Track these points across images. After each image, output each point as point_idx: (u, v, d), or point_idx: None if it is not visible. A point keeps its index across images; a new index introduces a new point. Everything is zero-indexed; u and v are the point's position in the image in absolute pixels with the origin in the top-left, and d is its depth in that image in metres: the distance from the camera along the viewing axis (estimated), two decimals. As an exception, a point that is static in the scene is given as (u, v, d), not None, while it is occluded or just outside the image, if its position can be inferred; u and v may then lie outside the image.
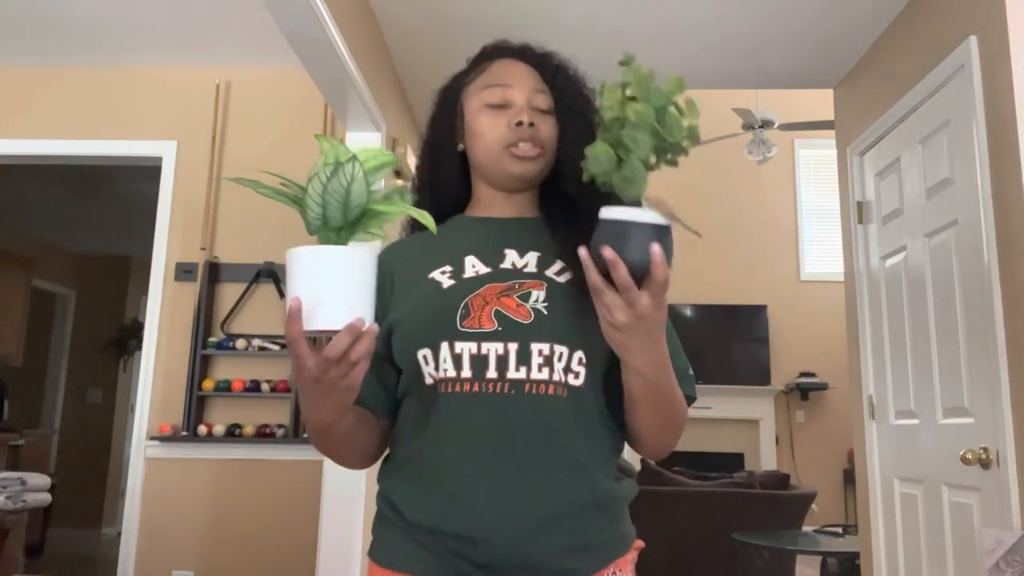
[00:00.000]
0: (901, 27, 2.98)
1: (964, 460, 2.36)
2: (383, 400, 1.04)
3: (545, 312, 0.98)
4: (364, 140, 3.19)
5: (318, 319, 0.79)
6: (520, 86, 1.08)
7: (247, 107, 3.90)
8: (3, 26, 3.56)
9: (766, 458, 7.45)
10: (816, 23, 3.12)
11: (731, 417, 7.53)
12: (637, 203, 0.84)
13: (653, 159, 0.84)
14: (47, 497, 4.31)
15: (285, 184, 0.84)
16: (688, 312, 7.73)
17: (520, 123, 1.04)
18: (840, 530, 4.68)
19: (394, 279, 1.06)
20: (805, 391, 7.50)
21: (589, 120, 1.00)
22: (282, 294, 3.70)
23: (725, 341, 7.68)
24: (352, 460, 1.05)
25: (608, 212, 0.84)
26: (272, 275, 3.71)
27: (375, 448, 1.06)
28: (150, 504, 3.54)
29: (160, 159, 3.84)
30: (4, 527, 3.82)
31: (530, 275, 1.02)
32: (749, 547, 4.00)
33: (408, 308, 1.02)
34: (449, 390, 0.97)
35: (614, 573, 0.98)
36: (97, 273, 7.33)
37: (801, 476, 7.34)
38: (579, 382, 0.97)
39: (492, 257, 1.04)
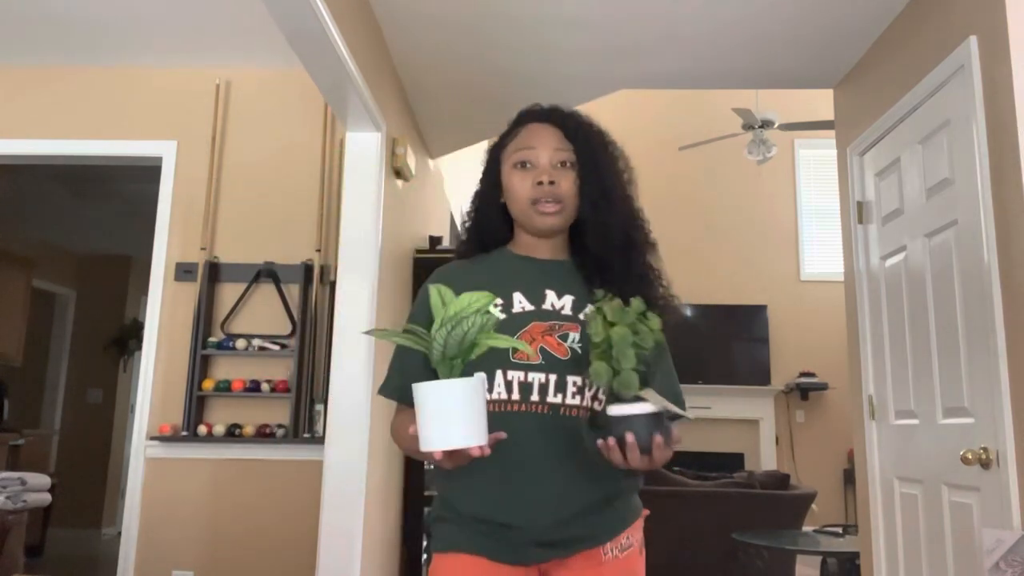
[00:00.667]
0: (901, 27, 2.98)
1: (964, 460, 2.36)
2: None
3: (579, 351, 1.24)
4: (364, 140, 3.19)
5: (446, 441, 1.02)
6: (544, 147, 1.32)
7: (247, 107, 3.91)
8: (3, 26, 3.56)
9: (766, 458, 7.45)
10: (816, 23, 3.12)
11: (731, 417, 7.54)
12: (634, 399, 1.10)
13: (638, 364, 1.11)
14: (47, 497, 4.31)
15: (412, 332, 1.08)
16: (688, 312, 7.72)
17: (541, 183, 1.29)
18: (840, 530, 4.67)
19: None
20: (805, 391, 7.50)
21: (610, 168, 1.33)
22: (282, 294, 3.70)
23: (725, 341, 7.68)
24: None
25: (615, 410, 1.10)
26: (272, 275, 3.71)
27: None
28: (150, 504, 3.54)
29: (160, 159, 3.84)
30: (4, 527, 3.82)
31: (567, 318, 1.28)
32: (749, 547, 4.00)
33: None
34: (499, 410, 1.22)
35: (627, 537, 1.27)
36: (97, 273, 7.33)
37: (801, 476, 7.34)
38: (600, 406, 1.22)
39: (535, 296, 1.30)
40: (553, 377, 1.23)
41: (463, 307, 1.04)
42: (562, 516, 1.21)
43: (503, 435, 1.10)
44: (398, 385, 1.30)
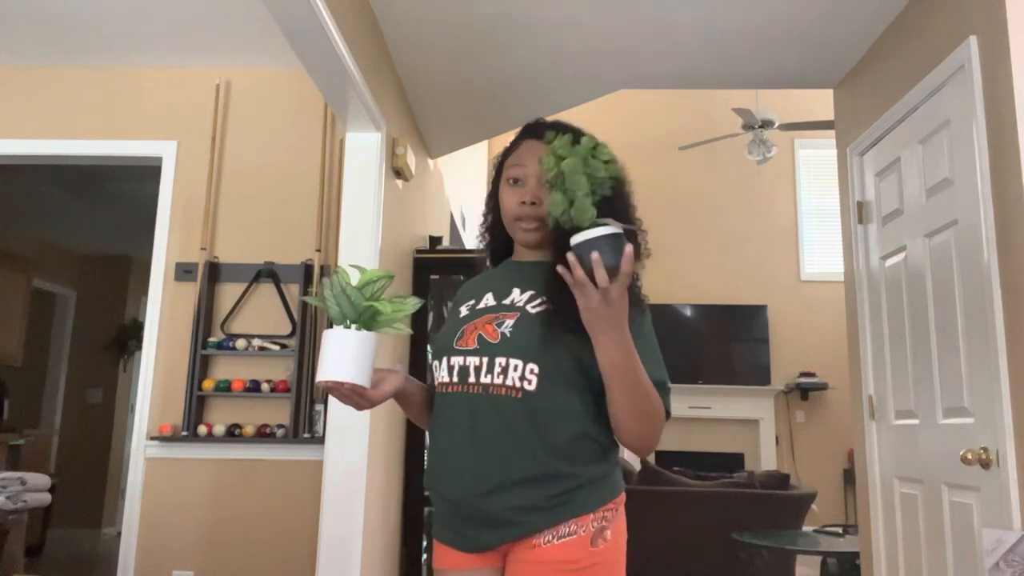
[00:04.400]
0: (901, 27, 2.98)
1: (964, 460, 2.36)
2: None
3: (508, 335, 1.33)
4: (364, 140, 3.19)
5: (322, 374, 1.23)
6: (532, 164, 1.39)
7: (247, 107, 3.91)
8: (3, 26, 3.56)
9: (766, 458, 7.45)
10: (816, 23, 3.12)
11: (731, 417, 7.53)
12: (592, 226, 1.14)
13: (591, 193, 1.16)
14: (47, 497, 4.31)
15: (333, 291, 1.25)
16: (688, 312, 7.73)
17: (524, 203, 1.38)
18: (840, 530, 4.67)
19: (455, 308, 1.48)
20: (805, 391, 7.49)
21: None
22: (282, 294, 3.70)
23: (725, 341, 7.68)
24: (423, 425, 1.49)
25: (576, 237, 1.15)
26: (272, 275, 3.71)
27: None
28: (150, 504, 3.54)
29: (160, 159, 3.84)
30: (4, 527, 3.82)
31: (514, 308, 1.36)
32: (749, 547, 4.00)
33: (440, 332, 1.45)
34: (443, 391, 1.37)
35: (571, 527, 1.28)
36: (97, 273, 7.33)
37: (801, 476, 7.34)
38: (532, 387, 1.29)
39: (502, 294, 1.40)
40: (485, 360, 1.32)
41: (364, 280, 1.24)
42: (482, 488, 1.28)
43: (398, 370, 1.33)
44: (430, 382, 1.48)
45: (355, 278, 1.25)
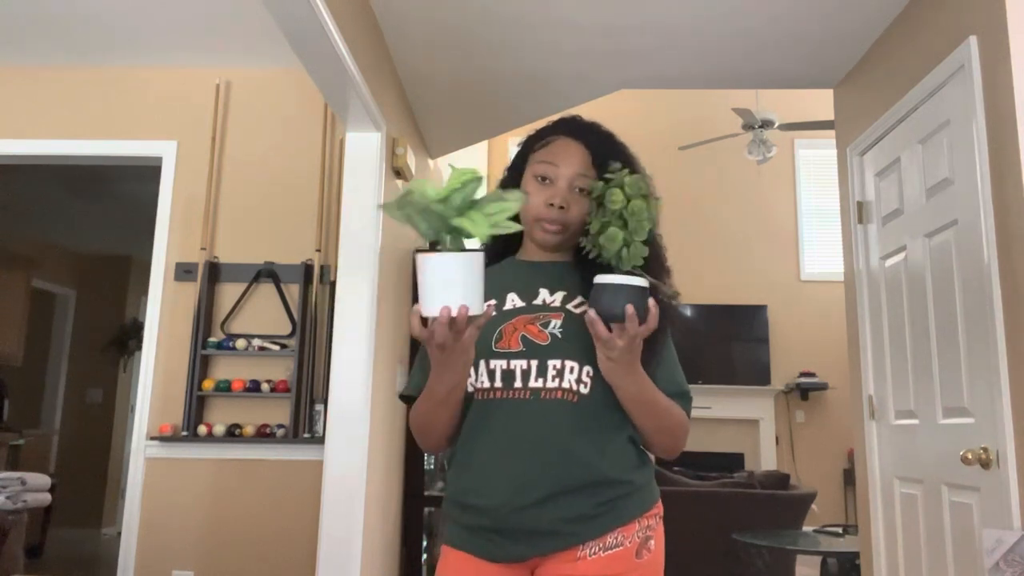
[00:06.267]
0: (901, 27, 2.98)
1: (964, 460, 2.36)
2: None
3: (560, 336, 1.25)
4: (364, 140, 3.19)
5: (427, 308, 1.06)
6: (567, 166, 1.31)
7: (247, 107, 3.90)
8: (3, 26, 3.56)
9: (766, 458, 7.45)
10: (816, 23, 3.12)
11: (731, 417, 7.53)
12: (626, 273, 1.13)
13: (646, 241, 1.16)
14: (47, 497, 4.31)
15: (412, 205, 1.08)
16: (688, 312, 7.72)
17: (552, 205, 1.30)
18: (840, 530, 4.67)
19: None
20: (805, 391, 7.49)
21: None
22: (282, 294, 3.70)
23: (725, 341, 7.67)
24: (439, 437, 1.30)
25: (603, 278, 1.13)
26: (272, 275, 3.71)
27: (456, 432, 1.31)
28: (150, 504, 3.54)
29: (160, 159, 3.84)
30: (4, 527, 3.82)
31: (554, 308, 1.29)
32: (749, 547, 4.00)
33: None
34: (484, 398, 1.26)
35: (617, 538, 1.22)
36: (97, 273, 7.33)
37: (801, 476, 7.34)
38: (587, 390, 1.23)
39: (528, 294, 1.31)
40: (535, 363, 1.24)
41: (448, 189, 1.06)
42: (529, 499, 1.19)
43: (493, 303, 1.16)
44: (419, 384, 1.31)
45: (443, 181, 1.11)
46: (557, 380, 1.22)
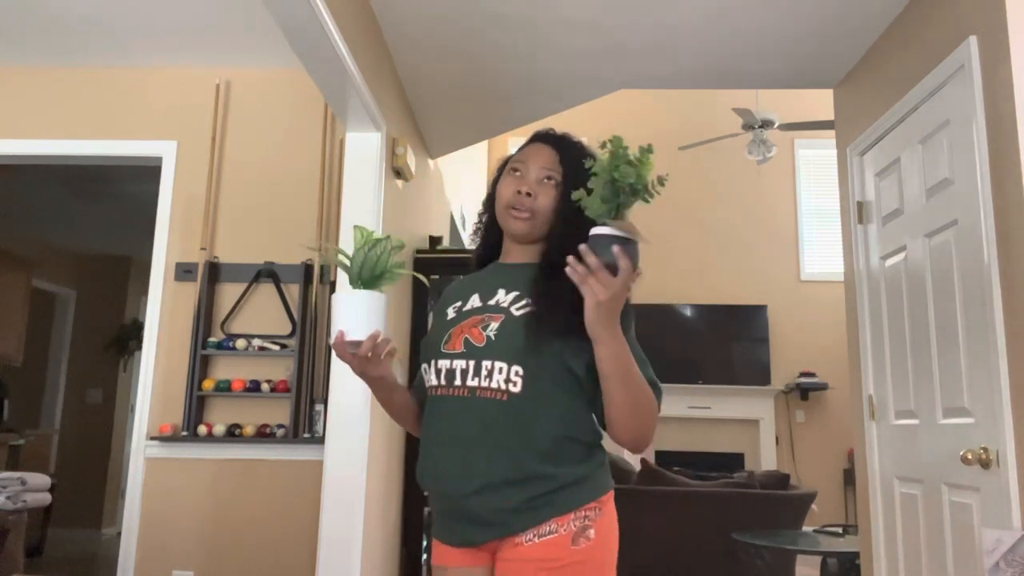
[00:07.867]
0: (901, 27, 2.98)
1: (964, 460, 2.36)
2: (423, 391, 1.47)
3: (493, 338, 1.35)
4: (364, 140, 3.19)
5: (346, 335, 1.29)
6: (535, 163, 1.45)
7: (247, 107, 3.91)
8: (3, 26, 3.56)
9: (766, 458, 7.45)
10: (816, 23, 3.12)
11: (731, 417, 7.53)
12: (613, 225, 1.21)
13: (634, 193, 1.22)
14: (47, 497, 4.31)
15: (343, 255, 1.33)
16: (688, 312, 7.73)
17: (520, 192, 1.42)
18: (840, 530, 4.68)
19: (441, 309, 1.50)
20: (805, 391, 7.49)
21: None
22: (282, 294, 3.70)
23: (725, 341, 7.67)
24: (411, 428, 1.53)
25: (595, 230, 1.19)
26: (272, 275, 3.71)
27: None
28: (150, 504, 3.54)
29: (160, 159, 3.84)
30: (4, 527, 3.82)
31: (499, 310, 1.38)
32: (749, 547, 4.00)
33: (427, 335, 1.49)
34: (433, 394, 1.40)
35: (551, 527, 1.30)
36: (97, 273, 7.33)
37: (801, 476, 7.34)
38: (517, 389, 1.31)
39: (488, 295, 1.42)
40: (471, 363, 1.34)
41: (370, 240, 1.30)
42: (467, 489, 1.31)
43: (377, 332, 1.31)
44: (417, 384, 1.51)
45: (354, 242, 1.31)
46: (488, 380, 1.32)
